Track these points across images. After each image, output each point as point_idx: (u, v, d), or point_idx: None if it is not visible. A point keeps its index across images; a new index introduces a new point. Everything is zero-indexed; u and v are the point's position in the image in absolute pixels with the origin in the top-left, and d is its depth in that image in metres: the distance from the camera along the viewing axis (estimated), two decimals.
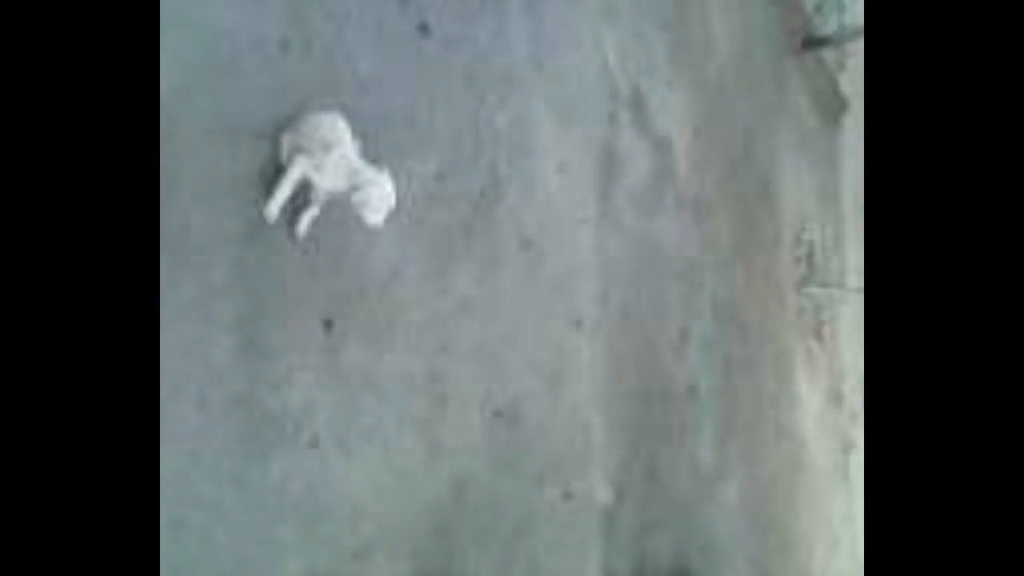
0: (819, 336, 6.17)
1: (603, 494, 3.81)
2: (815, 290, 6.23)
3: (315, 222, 2.59)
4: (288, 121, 2.50)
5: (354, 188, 2.46)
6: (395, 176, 2.52)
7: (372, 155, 2.58)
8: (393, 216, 2.84)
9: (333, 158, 2.47)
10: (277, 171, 2.47)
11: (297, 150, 2.46)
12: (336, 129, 2.52)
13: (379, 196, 2.48)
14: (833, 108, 7.48)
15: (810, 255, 6.31)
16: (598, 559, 3.72)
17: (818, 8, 6.88)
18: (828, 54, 7.20)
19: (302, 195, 2.51)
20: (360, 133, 2.60)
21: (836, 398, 6.23)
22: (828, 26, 7.06)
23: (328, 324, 2.67)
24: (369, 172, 2.47)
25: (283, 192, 2.45)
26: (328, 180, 2.49)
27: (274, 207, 2.45)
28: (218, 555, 2.29)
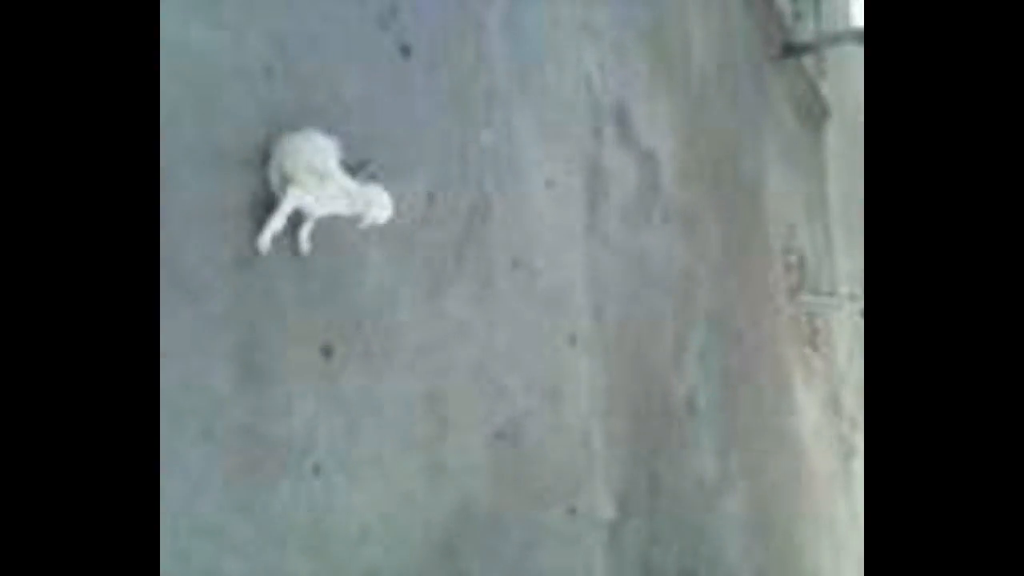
0: (814, 343, 6.17)
1: (607, 509, 3.78)
2: (808, 297, 6.23)
3: (308, 248, 2.59)
4: (274, 148, 2.49)
5: (355, 214, 2.51)
6: None
7: (360, 179, 2.59)
8: (385, 239, 2.85)
9: (329, 189, 2.48)
10: (268, 199, 2.46)
11: (288, 180, 2.45)
12: (321, 153, 2.51)
13: (379, 212, 2.54)
14: (815, 114, 7.52)
15: (801, 262, 6.32)
16: (605, 574, 3.69)
17: (796, 15, 6.93)
18: (808, 61, 7.24)
19: (295, 216, 2.50)
20: (347, 158, 2.60)
21: (835, 405, 6.22)
22: (806, 33, 7.11)
23: (327, 351, 2.66)
24: (364, 193, 2.50)
25: (276, 223, 2.44)
26: (325, 208, 2.50)
27: (267, 238, 2.44)
28: None
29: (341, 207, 2.50)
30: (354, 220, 2.54)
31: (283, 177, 2.45)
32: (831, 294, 6.56)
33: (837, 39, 7.24)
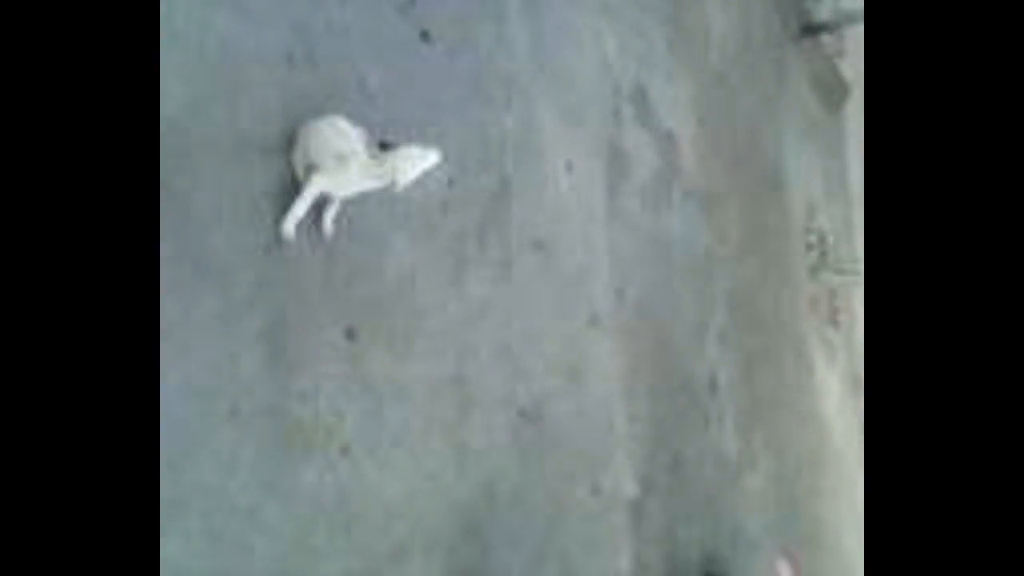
0: (835, 322, 6.18)
1: (630, 488, 3.82)
2: (828, 276, 6.23)
3: (332, 232, 2.62)
4: (297, 135, 2.53)
5: (384, 186, 2.52)
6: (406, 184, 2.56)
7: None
8: (408, 223, 2.88)
9: (352, 174, 2.50)
10: (293, 185, 2.49)
11: (311, 167, 2.48)
12: (345, 138, 2.54)
13: (409, 171, 2.54)
14: (835, 94, 7.49)
15: (821, 242, 6.32)
16: (629, 552, 3.73)
17: None
18: (826, 40, 7.21)
19: (319, 201, 2.54)
20: (369, 143, 2.63)
21: (855, 382, 6.23)
22: (824, 12, 7.07)
23: (351, 333, 2.70)
24: (388, 162, 2.52)
25: (300, 209, 2.47)
26: (349, 191, 2.54)
27: (291, 224, 2.48)
28: (255, 562, 2.32)
29: (367, 185, 2.53)
30: (382, 201, 2.55)
31: (307, 163, 2.49)
32: (852, 272, 6.55)
33: (856, 17, 7.20)
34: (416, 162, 2.56)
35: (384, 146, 2.59)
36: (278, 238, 2.48)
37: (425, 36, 3.10)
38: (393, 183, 2.53)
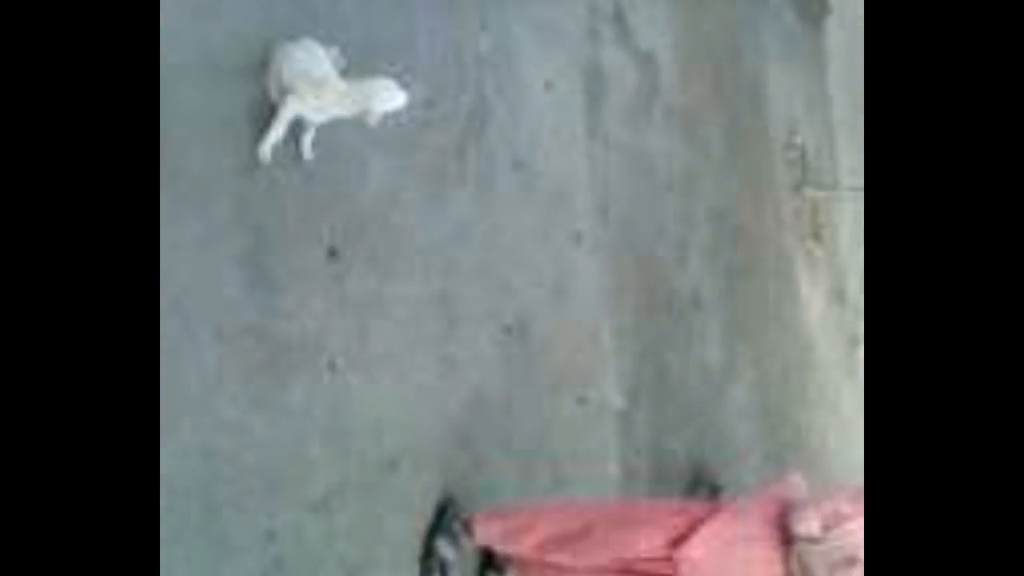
0: (818, 237, 6.23)
1: (617, 399, 3.91)
2: (810, 192, 6.26)
3: (310, 155, 2.66)
4: (272, 57, 2.55)
5: (359, 113, 2.53)
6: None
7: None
8: (386, 144, 2.92)
9: (327, 97, 2.52)
10: (268, 108, 2.52)
11: (285, 91, 2.51)
12: (319, 62, 2.56)
13: (383, 102, 2.54)
14: (815, 11, 7.46)
15: (802, 158, 6.33)
16: (617, 460, 3.83)
17: None
18: None
19: (296, 124, 2.57)
20: (345, 66, 2.66)
21: (839, 296, 6.30)
22: None
23: (332, 253, 2.75)
24: (363, 90, 2.53)
25: (276, 133, 2.50)
26: (324, 115, 2.56)
27: (267, 147, 2.51)
28: (249, 476, 2.41)
29: (342, 111, 2.55)
30: (359, 122, 2.56)
31: (282, 86, 2.51)
32: (834, 188, 6.58)
33: None
34: (389, 95, 2.56)
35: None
36: (256, 160, 2.52)
37: None
38: (367, 112, 2.54)
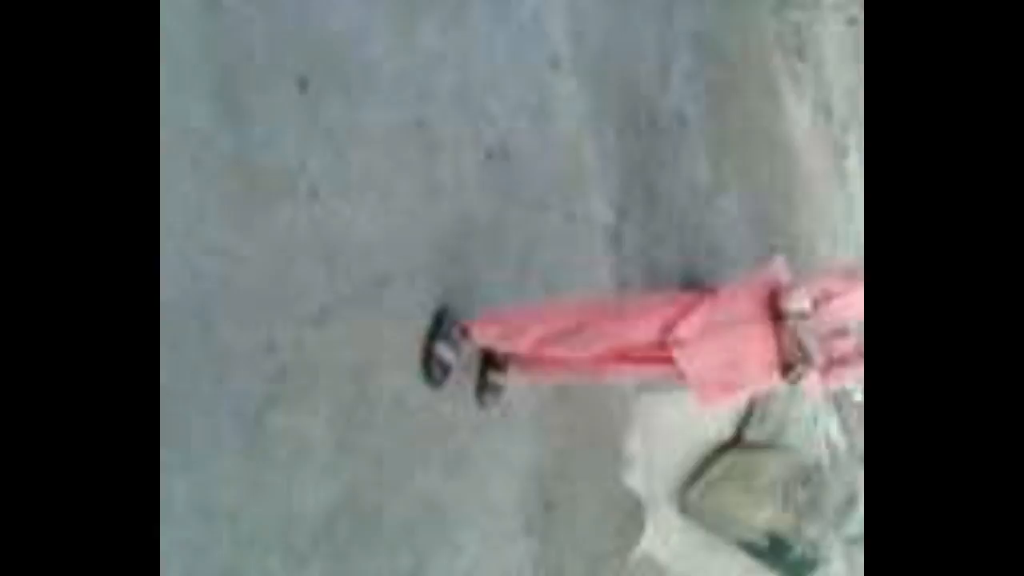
0: (802, 55, 6.24)
1: (604, 214, 4.01)
2: (792, 12, 6.25)
3: None
4: None
5: None
6: None
7: None
8: None
9: None
10: None
11: None
12: None
13: None
14: None
15: None
16: (609, 269, 3.95)
17: None
18: None
19: None
20: None
21: (825, 110, 6.35)
22: None
23: (303, 84, 2.78)
24: None
25: None
26: None
27: None
28: (242, 295, 2.49)
29: None
30: None
31: None
32: (816, 7, 6.55)
33: None
34: None
35: None
36: None
37: None
38: None
